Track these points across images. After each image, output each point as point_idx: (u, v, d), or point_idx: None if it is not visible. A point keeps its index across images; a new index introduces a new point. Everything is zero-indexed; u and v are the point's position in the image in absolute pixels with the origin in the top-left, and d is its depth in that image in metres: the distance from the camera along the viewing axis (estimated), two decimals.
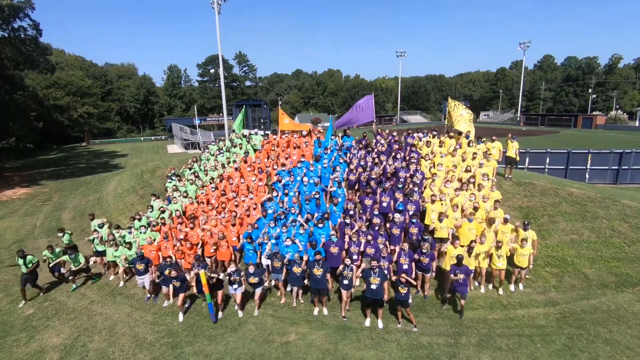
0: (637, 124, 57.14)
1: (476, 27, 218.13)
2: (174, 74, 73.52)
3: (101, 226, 11.66)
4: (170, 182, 14.68)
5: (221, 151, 16.76)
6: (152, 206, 12.75)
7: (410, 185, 11.48)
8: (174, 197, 12.90)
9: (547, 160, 21.91)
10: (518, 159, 13.94)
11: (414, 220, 10.04)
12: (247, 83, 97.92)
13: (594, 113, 69.38)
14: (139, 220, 11.73)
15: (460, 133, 13.95)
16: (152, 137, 62.94)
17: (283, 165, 13.61)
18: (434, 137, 14.47)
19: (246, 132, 18.04)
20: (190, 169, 15.78)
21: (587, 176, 21.58)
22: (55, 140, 53.54)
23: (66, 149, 52.98)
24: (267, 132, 20.96)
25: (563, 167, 21.75)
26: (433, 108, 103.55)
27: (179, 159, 24.32)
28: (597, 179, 21.66)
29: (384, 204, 11.00)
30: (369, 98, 14.17)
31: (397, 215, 10.07)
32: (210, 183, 14.19)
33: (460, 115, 13.52)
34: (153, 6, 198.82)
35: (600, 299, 9.36)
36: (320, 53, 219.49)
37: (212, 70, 55.12)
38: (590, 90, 78.47)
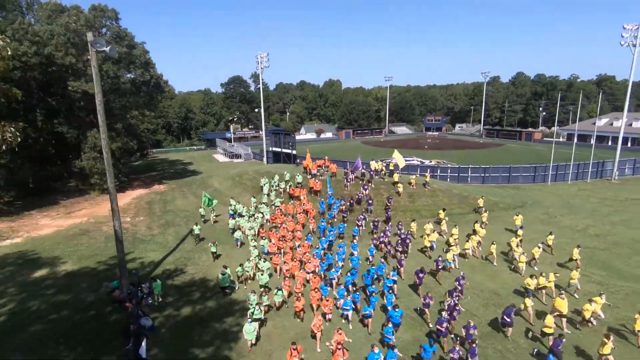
0: (559, 139, 76.23)
1: (467, 38, 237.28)
2: (207, 97, 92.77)
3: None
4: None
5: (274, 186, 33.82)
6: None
7: None
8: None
9: (449, 172, 40.83)
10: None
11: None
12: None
13: (539, 129, 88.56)
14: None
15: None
16: (195, 147, 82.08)
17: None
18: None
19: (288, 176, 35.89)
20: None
21: (469, 180, 40.52)
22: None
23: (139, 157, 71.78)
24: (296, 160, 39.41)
25: (456, 174, 40.69)
26: (418, 120, 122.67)
27: (254, 168, 42.88)
28: (475, 181, 40.57)
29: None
30: (359, 157, 32.74)
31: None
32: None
33: (398, 156, 32.35)
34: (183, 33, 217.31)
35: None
36: (321, 62, 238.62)
37: (256, 110, 73.58)
38: (540, 109, 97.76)
